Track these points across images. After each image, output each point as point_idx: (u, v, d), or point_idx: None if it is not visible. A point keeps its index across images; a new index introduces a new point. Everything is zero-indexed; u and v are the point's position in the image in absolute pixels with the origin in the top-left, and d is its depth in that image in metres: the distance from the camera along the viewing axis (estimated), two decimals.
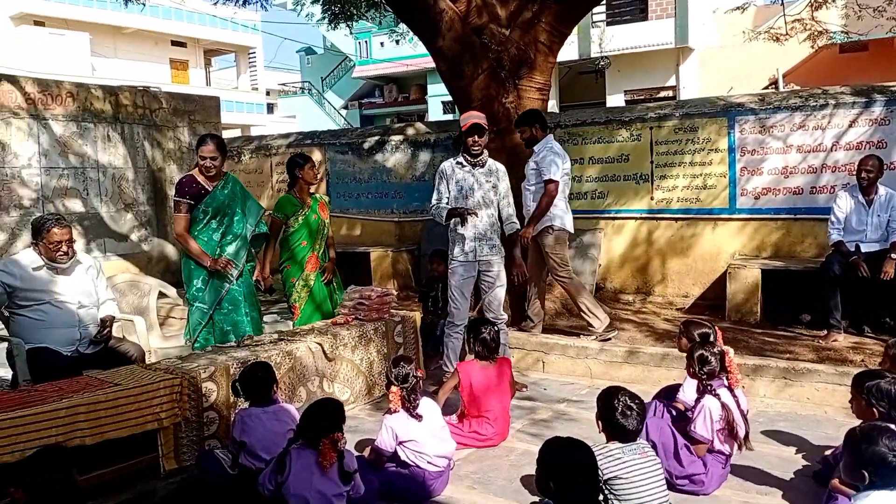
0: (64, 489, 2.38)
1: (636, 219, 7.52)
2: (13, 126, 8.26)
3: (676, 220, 7.32)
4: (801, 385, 4.82)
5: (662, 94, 21.10)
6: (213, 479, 3.48)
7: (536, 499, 3.44)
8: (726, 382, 3.63)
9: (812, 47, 11.82)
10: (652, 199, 7.41)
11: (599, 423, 3.07)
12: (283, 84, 40.17)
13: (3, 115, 8.16)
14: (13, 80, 8.37)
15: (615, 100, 21.36)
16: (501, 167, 5.21)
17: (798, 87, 11.23)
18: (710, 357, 3.61)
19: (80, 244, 4.58)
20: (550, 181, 5.56)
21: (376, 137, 9.29)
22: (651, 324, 6.42)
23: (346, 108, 34.55)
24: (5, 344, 4.24)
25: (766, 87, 16.73)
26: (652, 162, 7.39)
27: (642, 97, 20.69)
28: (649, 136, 7.39)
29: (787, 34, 10.06)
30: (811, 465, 3.76)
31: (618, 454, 2.92)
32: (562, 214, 5.71)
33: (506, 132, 6.19)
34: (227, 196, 5.02)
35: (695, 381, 3.67)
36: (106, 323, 4.43)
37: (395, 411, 3.55)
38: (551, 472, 2.53)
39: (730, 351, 3.75)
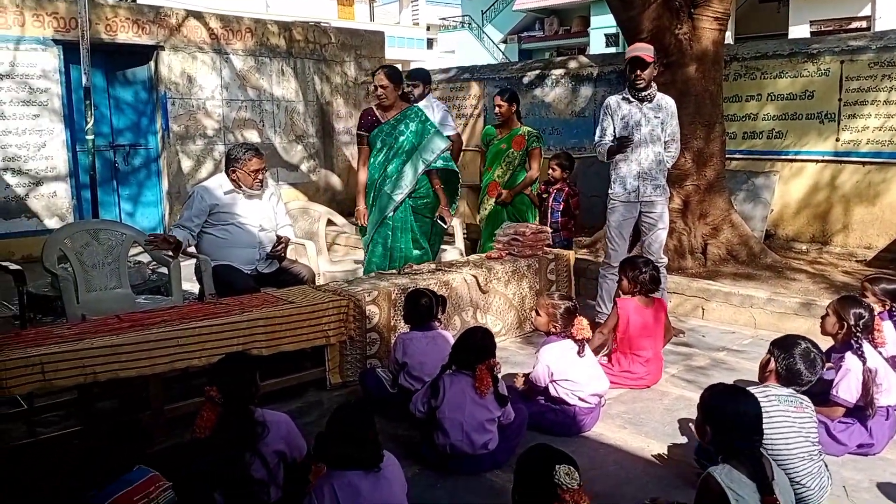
0: (250, 390, 2.63)
1: (818, 161, 6.92)
2: (198, 60, 8.90)
3: (864, 164, 6.66)
4: None
5: (854, 25, 18.97)
6: (374, 395, 3.68)
7: (683, 440, 3.39)
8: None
9: None
10: (837, 140, 6.77)
11: (770, 364, 2.92)
12: (444, 18, 40.19)
13: (189, 50, 8.81)
14: (199, 16, 8.97)
15: (798, 31, 19.47)
16: (671, 103, 4.95)
17: None
18: (864, 312, 3.34)
19: None
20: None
21: (536, 71, 9.11)
22: (828, 275, 5.96)
23: (504, 42, 34.11)
24: (193, 260, 4.67)
25: None
26: (840, 100, 6.73)
27: (830, 28, 18.73)
28: (839, 71, 6.71)
29: None
30: None
31: (773, 400, 2.78)
32: None
33: (677, 66, 5.86)
34: (398, 129, 5.05)
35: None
36: (281, 240, 4.75)
37: (587, 339, 3.58)
38: (713, 418, 2.45)
39: (876, 308, 3.52)
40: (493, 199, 6.03)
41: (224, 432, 2.53)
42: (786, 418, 2.77)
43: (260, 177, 4.62)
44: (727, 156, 6.58)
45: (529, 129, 6.15)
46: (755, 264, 6.12)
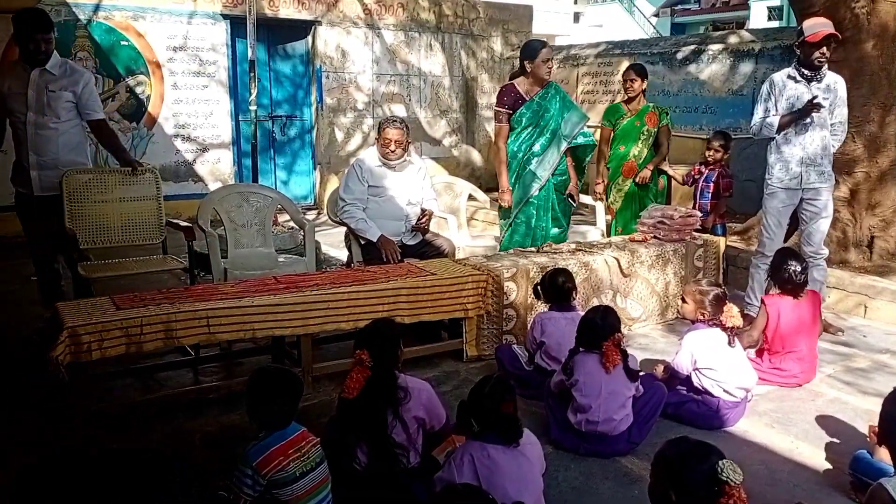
0: (395, 355, 2.73)
1: None
2: (352, 35, 9.19)
3: None
4: None
5: None
6: (509, 371, 3.71)
7: (837, 445, 3.17)
8: None
9: None
10: None
11: None
12: None
13: (344, 25, 9.11)
14: None
15: None
16: (842, 83, 4.57)
17: None
18: None
19: None
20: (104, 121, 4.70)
21: (692, 47, 8.69)
22: None
23: (656, 15, 32.79)
24: (343, 229, 4.87)
25: None
26: None
27: None
28: None
29: None
30: None
31: None
32: None
33: (851, 42, 5.37)
34: (543, 106, 4.99)
35: None
36: (424, 213, 4.84)
37: (738, 328, 3.46)
38: None
39: None
40: (631, 180, 5.93)
41: (369, 394, 2.64)
42: None
43: (393, 147, 4.64)
44: None
45: (656, 104, 6.10)
46: None
